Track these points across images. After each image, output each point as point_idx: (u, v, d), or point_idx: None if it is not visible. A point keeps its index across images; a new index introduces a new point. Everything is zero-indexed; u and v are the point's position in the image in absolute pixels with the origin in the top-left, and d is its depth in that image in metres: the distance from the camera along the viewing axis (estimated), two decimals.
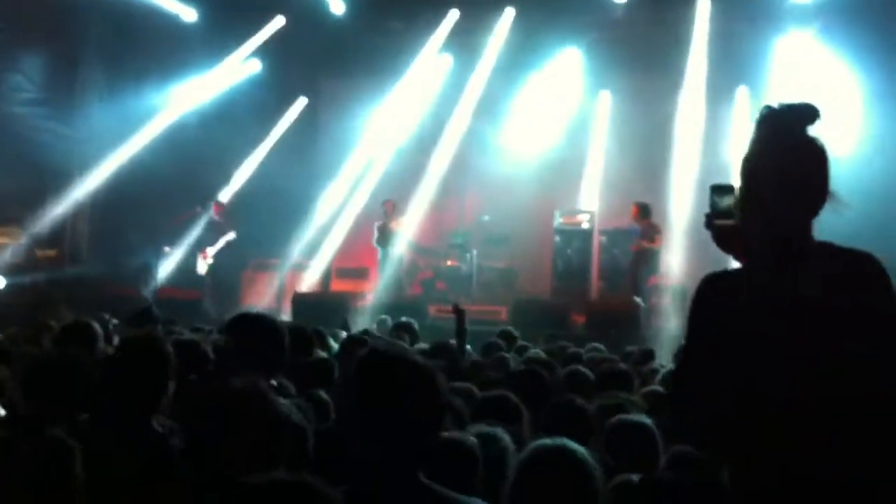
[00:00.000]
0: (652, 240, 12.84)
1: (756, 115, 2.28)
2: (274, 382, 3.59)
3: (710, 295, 2.26)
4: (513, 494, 2.51)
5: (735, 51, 13.93)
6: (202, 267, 13.84)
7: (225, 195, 15.37)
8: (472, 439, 2.88)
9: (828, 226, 2.27)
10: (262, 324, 3.69)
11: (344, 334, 7.08)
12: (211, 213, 14.00)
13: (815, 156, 2.22)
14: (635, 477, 2.82)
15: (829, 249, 2.20)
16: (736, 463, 2.20)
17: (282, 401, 3.45)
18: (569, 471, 2.46)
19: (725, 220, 2.38)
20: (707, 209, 2.42)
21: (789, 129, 2.23)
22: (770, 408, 2.11)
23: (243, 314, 3.83)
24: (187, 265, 13.92)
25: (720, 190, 2.40)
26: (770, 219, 2.23)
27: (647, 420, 3.60)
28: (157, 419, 3.27)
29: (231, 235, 13.66)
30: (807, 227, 2.23)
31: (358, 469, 2.21)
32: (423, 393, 2.19)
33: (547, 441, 2.55)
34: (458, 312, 6.97)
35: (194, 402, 2.72)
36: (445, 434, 2.81)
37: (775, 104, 2.26)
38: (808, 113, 2.23)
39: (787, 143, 2.22)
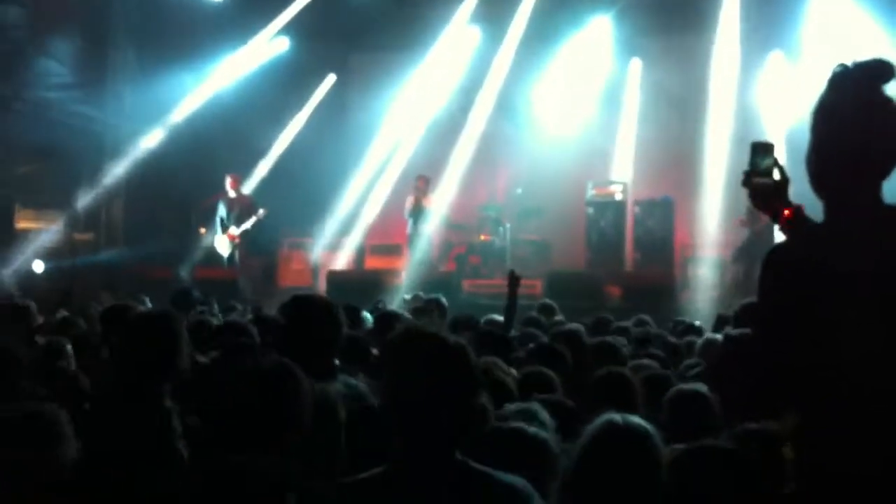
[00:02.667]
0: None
1: (828, 74, 2.20)
2: (337, 361, 3.62)
3: (779, 266, 2.19)
4: (581, 470, 2.48)
5: (768, 13, 13.70)
6: (224, 248, 13.58)
7: (256, 174, 15.42)
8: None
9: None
10: (318, 305, 3.70)
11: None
12: (227, 189, 13.63)
13: (891, 115, 2.14)
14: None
15: None
16: (803, 438, 2.14)
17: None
18: (639, 450, 2.44)
19: (764, 179, 2.34)
20: (746, 168, 2.36)
21: (864, 87, 2.15)
22: (844, 386, 2.04)
23: (299, 296, 3.85)
24: (213, 246, 13.83)
25: (760, 148, 2.35)
26: (843, 181, 2.16)
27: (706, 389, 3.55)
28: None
29: (261, 213, 13.40)
30: (879, 190, 2.15)
31: (394, 447, 2.22)
32: (453, 370, 2.19)
33: (616, 418, 2.51)
34: (513, 280, 6.71)
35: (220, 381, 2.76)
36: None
37: (849, 62, 2.18)
38: (883, 71, 2.15)
39: (861, 101, 2.14)
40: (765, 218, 2.48)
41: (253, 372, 2.74)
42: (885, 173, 2.15)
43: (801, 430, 2.14)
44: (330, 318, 3.61)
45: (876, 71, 2.15)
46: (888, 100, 2.15)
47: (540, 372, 3.96)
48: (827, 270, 2.08)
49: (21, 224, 13.20)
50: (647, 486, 2.42)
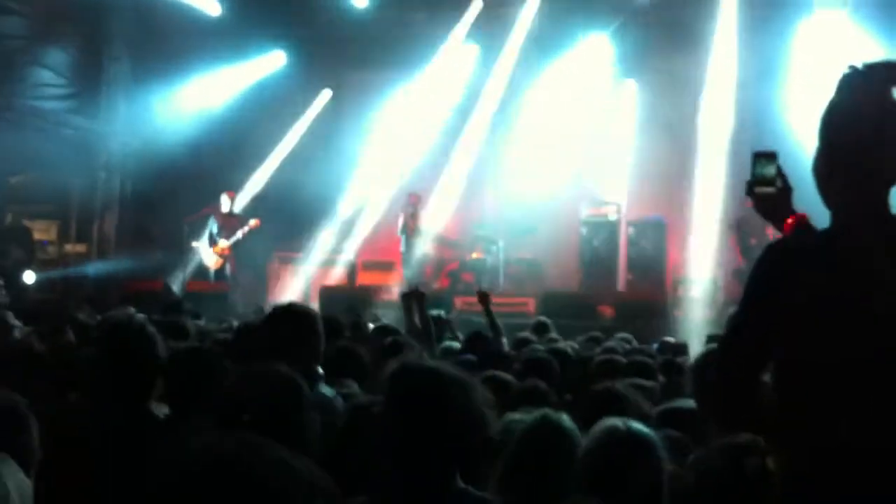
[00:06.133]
0: None
1: (838, 77, 2.15)
2: (320, 370, 3.62)
3: (775, 262, 2.13)
4: (585, 471, 2.52)
5: (762, 34, 13.74)
6: (211, 262, 13.65)
7: (250, 188, 15.40)
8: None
9: None
10: (298, 314, 3.73)
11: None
12: (221, 204, 13.76)
13: None
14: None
15: None
16: (789, 443, 2.08)
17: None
18: (640, 451, 2.49)
19: (766, 188, 2.33)
20: (749, 178, 2.35)
21: (875, 89, 2.10)
22: (839, 382, 1.99)
23: (281, 305, 3.87)
24: (200, 259, 13.87)
25: (762, 157, 2.34)
26: (852, 183, 2.10)
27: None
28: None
29: (253, 223, 13.45)
30: (887, 196, 2.10)
31: (387, 474, 2.20)
32: (457, 405, 2.16)
33: (618, 422, 2.57)
34: (483, 298, 6.70)
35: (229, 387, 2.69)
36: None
37: (858, 64, 2.13)
38: (893, 73, 2.11)
39: (873, 104, 2.09)
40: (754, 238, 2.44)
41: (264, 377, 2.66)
42: (894, 178, 2.11)
43: (790, 440, 2.10)
44: (310, 328, 3.63)
45: (886, 73, 2.11)
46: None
47: (535, 385, 3.98)
48: (835, 275, 2.03)
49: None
50: (650, 490, 2.45)
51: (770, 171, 2.33)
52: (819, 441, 2.01)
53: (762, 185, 2.33)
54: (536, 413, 2.78)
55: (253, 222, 13.42)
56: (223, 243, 13.48)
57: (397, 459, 2.17)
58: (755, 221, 12.44)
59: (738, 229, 12.49)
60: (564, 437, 2.67)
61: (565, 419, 2.73)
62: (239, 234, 13.42)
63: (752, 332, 2.13)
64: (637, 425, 2.57)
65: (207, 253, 13.61)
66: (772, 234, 12.09)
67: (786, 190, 2.34)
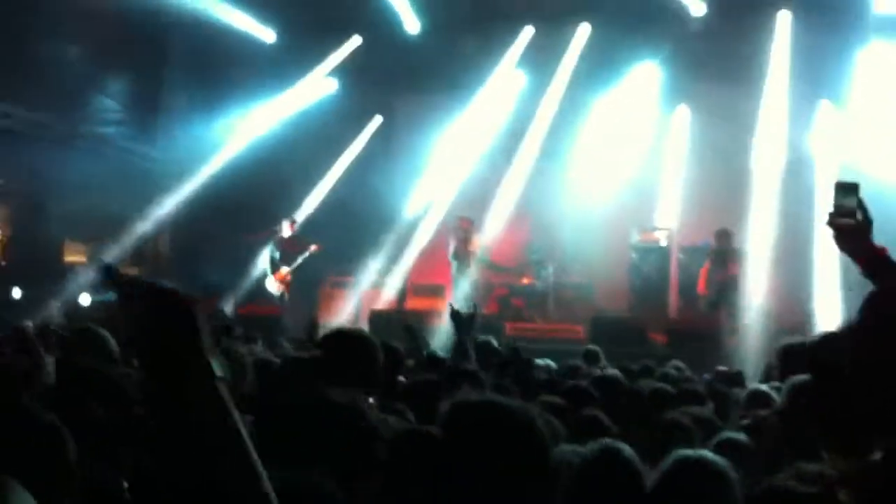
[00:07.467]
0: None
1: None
2: (371, 400, 3.55)
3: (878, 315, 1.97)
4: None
5: (816, 62, 13.59)
6: (274, 288, 13.89)
7: (301, 213, 15.53)
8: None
9: None
10: (356, 340, 3.64)
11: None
12: (282, 231, 14.03)
13: None
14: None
15: None
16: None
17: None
18: (713, 482, 2.46)
19: (847, 220, 2.28)
20: (830, 209, 2.30)
21: None
22: None
23: (339, 330, 3.82)
24: (261, 284, 14.07)
25: (844, 188, 2.30)
26: None
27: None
28: None
29: (314, 248, 13.72)
30: None
31: None
32: (523, 441, 2.05)
33: (689, 452, 2.56)
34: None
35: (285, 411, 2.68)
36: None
37: None
38: None
39: None
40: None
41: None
42: None
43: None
44: (367, 354, 3.57)
45: None
46: None
47: (594, 416, 3.93)
48: None
49: (69, 257, 13.38)
50: None
51: (851, 202, 2.28)
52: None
53: (842, 217, 2.29)
54: (596, 444, 2.71)
55: (314, 247, 13.65)
56: (284, 269, 13.73)
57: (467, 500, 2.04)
58: (722, 256, 12.91)
59: (710, 259, 13.14)
60: (627, 466, 2.63)
61: (626, 449, 2.68)
62: (300, 259, 13.68)
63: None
64: (708, 454, 2.57)
65: (270, 279, 13.84)
66: (737, 268, 12.42)
67: (865, 222, 2.29)
